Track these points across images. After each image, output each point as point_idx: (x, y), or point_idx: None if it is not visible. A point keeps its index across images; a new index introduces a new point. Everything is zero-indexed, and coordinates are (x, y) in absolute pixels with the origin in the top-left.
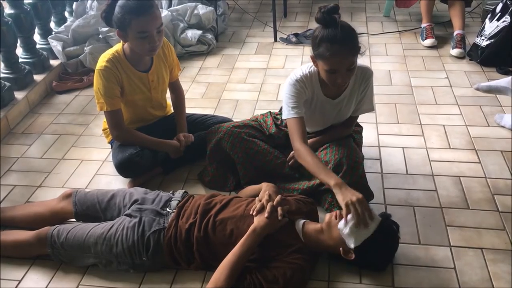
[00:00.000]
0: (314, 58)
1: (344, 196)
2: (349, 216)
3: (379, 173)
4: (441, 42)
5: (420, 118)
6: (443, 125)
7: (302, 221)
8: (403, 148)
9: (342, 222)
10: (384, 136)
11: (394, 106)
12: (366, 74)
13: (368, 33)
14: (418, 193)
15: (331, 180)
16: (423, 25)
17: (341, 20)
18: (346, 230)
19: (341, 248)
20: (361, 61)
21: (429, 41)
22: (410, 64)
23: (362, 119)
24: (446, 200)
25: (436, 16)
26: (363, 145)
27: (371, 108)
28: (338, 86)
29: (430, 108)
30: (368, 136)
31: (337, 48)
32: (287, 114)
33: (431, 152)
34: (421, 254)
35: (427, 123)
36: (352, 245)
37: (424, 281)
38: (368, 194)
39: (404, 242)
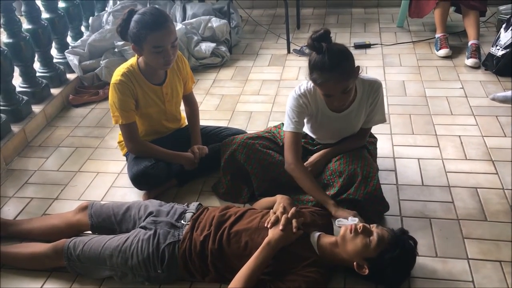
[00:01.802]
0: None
1: (342, 215)
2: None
3: (395, 184)
4: (455, 52)
5: (436, 129)
6: (459, 136)
7: (317, 233)
8: (418, 159)
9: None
10: (399, 147)
11: (409, 117)
12: (374, 86)
13: (381, 44)
14: (435, 205)
15: (329, 199)
16: (437, 35)
17: (335, 43)
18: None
19: (355, 263)
20: (375, 71)
21: (443, 51)
22: (424, 75)
23: (376, 130)
24: (463, 212)
25: (450, 26)
26: (377, 156)
27: (383, 119)
28: (337, 107)
29: (445, 119)
30: (383, 147)
31: (327, 75)
32: (287, 126)
33: (447, 163)
34: (438, 267)
35: (442, 134)
36: None
37: None
38: (383, 205)
39: (421, 255)
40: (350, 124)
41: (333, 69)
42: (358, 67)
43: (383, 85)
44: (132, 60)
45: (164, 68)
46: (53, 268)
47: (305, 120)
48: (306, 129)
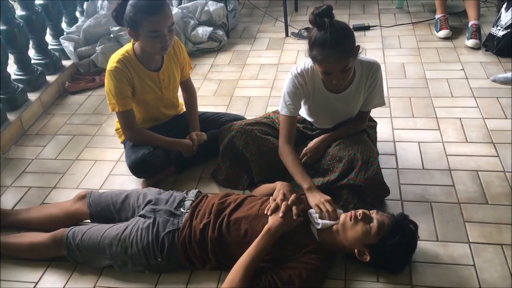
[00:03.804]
0: (313, 62)
1: (314, 198)
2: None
3: (395, 168)
4: (456, 33)
5: (436, 112)
6: (460, 118)
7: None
8: (418, 142)
9: (315, 215)
10: (399, 131)
11: (409, 100)
12: (373, 68)
13: (381, 26)
14: (435, 189)
15: (305, 183)
16: (437, 16)
17: (336, 20)
18: (318, 226)
19: (356, 250)
20: (375, 53)
21: (443, 32)
22: (424, 57)
23: (376, 113)
24: (464, 195)
25: (450, 7)
26: (377, 140)
27: (382, 103)
28: (335, 86)
29: (445, 101)
30: (383, 131)
31: (327, 52)
32: (281, 109)
33: (447, 146)
34: (439, 251)
35: (443, 117)
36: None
37: (442, 279)
38: (384, 190)
39: (422, 239)
40: (348, 106)
41: (334, 46)
42: (358, 46)
43: (383, 68)
44: (128, 46)
45: (161, 54)
46: (52, 258)
47: (302, 102)
48: (304, 112)
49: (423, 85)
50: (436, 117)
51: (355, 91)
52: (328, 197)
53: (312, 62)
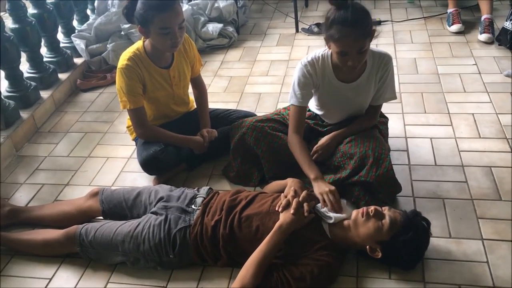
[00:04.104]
0: (327, 40)
1: (319, 187)
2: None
3: (407, 164)
4: (468, 28)
5: (448, 107)
6: (472, 114)
7: None
8: (431, 138)
9: (319, 206)
10: (411, 127)
11: (421, 95)
12: (384, 59)
13: (392, 20)
14: (448, 185)
15: (311, 173)
16: (449, 10)
17: (355, 1)
18: (322, 214)
19: (367, 247)
20: (386, 49)
21: (456, 27)
22: (436, 51)
23: (387, 109)
24: (477, 191)
25: (462, 1)
26: (389, 136)
27: (393, 96)
28: (350, 68)
29: (458, 97)
30: (395, 127)
31: (347, 30)
32: (290, 99)
33: (460, 142)
34: (452, 248)
35: (455, 112)
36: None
37: (456, 276)
38: (395, 186)
39: (435, 236)
40: (358, 97)
41: (354, 25)
42: (374, 30)
43: (394, 63)
44: (138, 44)
45: (171, 51)
46: (66, 254)
47: (312, 91)
48: (313, 104)
49: (435, 81)
50: (449, 113)
51: (366, 81)
52: (333, 188)
53: (323, 50)
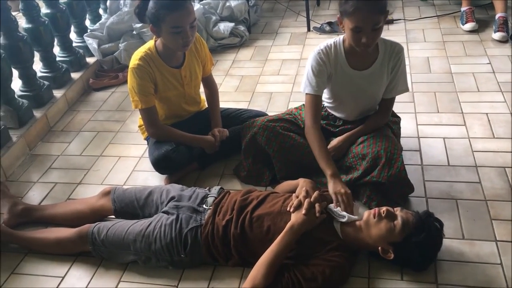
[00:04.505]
0: (341, 18)
1: (335, 186)
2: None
3: (419, 165)
4: (482, 26)
5: (462, 107)
6: (486, 114)
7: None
8: (444, 138)
9: (332, 205)
10: (423, 126)
11: (434, 95)
12: (396, 48)
13: (404, 19)
14: (461, 186)
15: (328, 169)
16: (463, 8)
17: None
18: (335, 213)
19: (379, 248)
20: None
21: (469, 25)
22: (449, 50)
23: (400, 109)
24: (490, 192)
25: None
26: (401, 136)
27: (406, 89)
28: (363, 47)
29: (472, 96)
30: (407, 127)
31: (362, 3)
32: (305, 88)
33: (474, 142)
34: (465, 249)
35: (469, 112)
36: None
37: (469, 278)
38: (408, 187)
39: (447, 237)
40: (371, 86)
41: None
42: (388, 10)
43: (406, 62)
44: (150, 43)
45: (182, 50)
46: (78, 253)
47: (326, 80)
48: (325, 98)
49: (449, 80)
50: (462, 112)
51: (379, 70)
52: (349, 191)
53: (335, 39)
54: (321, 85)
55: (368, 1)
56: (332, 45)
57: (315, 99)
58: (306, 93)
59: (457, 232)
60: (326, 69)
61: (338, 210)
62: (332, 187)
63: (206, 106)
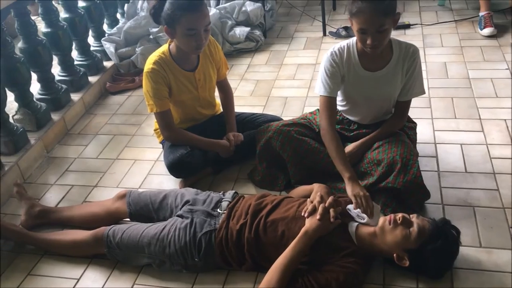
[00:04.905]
0: (350, 19)
1: (354, 188)
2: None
3: (436, 171)
4: (501, 31)
5: (480, 113)
6: (505, 120)
7: (356, 223)
8: (461, 144)
9: (352, 206)
10: (440, 132)
11: (451, 100)
12: (411, 50)
13: (422, 24)
14: (478, 193)
15: (346, 172)
16: (481, 13)
17: None
18: (354, 214)
19: (395, 255)
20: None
21: (488, 30)
22: (467, 55)
23: (416, 114)
24: (508, 200)
25: (495, 4)
26: (418, 142)
27: (422, 91)
28: (370, 48)
29: (490, 102)
30: (423, 133)
31: (365, 5)
32: (319, 90)
33: (491, 149)
34: (482, 257)
35: (487, 118)
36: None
37: (485, 287)
38: (424, 193)
39: (464, 245)
40: (385, 88)
41: (374, 0)
42: (399, 13)
43: (423, 67)
44: (164, 47)
45: (195, 52)
46: (94, 255)
47: (339, 81)
48: (339, 101)
49: (466, 85)
50: (480, 118)
51: (393, 72)
52: (367, 194)
53: (349, 40)
54: (335, 87)
55: (371, 3)
56: (345, 46)
57: (329, 101)
58: (320, 95)
59: (474, 240)
60: (339, 71)
61: (358, 211)
62: (350, 189)
63: (222, 110)
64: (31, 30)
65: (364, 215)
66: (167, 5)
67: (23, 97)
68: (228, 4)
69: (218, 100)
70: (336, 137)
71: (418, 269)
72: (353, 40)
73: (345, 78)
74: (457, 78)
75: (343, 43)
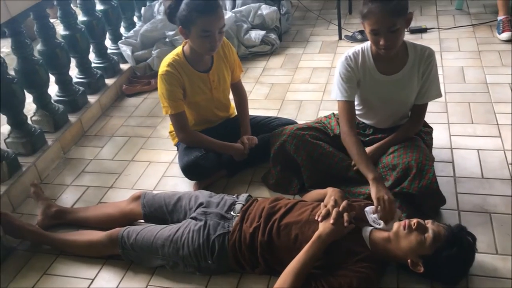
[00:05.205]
0: (363, 22)
1: (378, 191)
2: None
3: (452, 177)
4: None
5: (497, 118)
6: None
7: (370, 228)
8: (478, 150)
9: (370, 209)
10: (457, 137)
11: (468, 105)
12: (427, 52)
13: (439, 28)
14: (495, 199)
15: (370, 173)
16: (500, 17)
17: None
18: (370, 218)
19: (409, 260)
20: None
21: (506, 35)
22: (485, 60)
23: (432, 119)
24: None
25: None
26: (434, 147)
27: (439, 94)
28: (384, 49)
29: (507, 107)
30: (440, 138)
31: (375, 6)
32: (336, 95)
33: (509, 155)
34: (498, 264)
35: (504, 123)
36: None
37: None
38: (439, 199)
39: (480, 252)
40: (401, 92)
41: (384, 1)
42: (411, 13)
43: (440, 72)
44: (178, 49)
45: (208, 54)
46: (108, 256)
47: (355, 85)
48: (356, 103)
49: (484, 90)
50: (497, 124)
51: (409, 75)
52: (392, 197)
53: (364, 44)
54: (352, 91)
55: (381, 3)
56: (360, 50)
57: (348, 105)
58: (338, 100)
59: (490, 246)
60: (354, 75)
61: (375, 217)
62: (375, 192)
63: (236, 113)
64: (49, 33)
65: (381, 221)
66: (183, 5)
67: (41, 99)
68: (243, 7)
69: (232, 103)
70: (357, 140)
71: (432, 276)
72: (367, 44)
73: (360, 82)
74: (474, 82)
75: (357, 47)
